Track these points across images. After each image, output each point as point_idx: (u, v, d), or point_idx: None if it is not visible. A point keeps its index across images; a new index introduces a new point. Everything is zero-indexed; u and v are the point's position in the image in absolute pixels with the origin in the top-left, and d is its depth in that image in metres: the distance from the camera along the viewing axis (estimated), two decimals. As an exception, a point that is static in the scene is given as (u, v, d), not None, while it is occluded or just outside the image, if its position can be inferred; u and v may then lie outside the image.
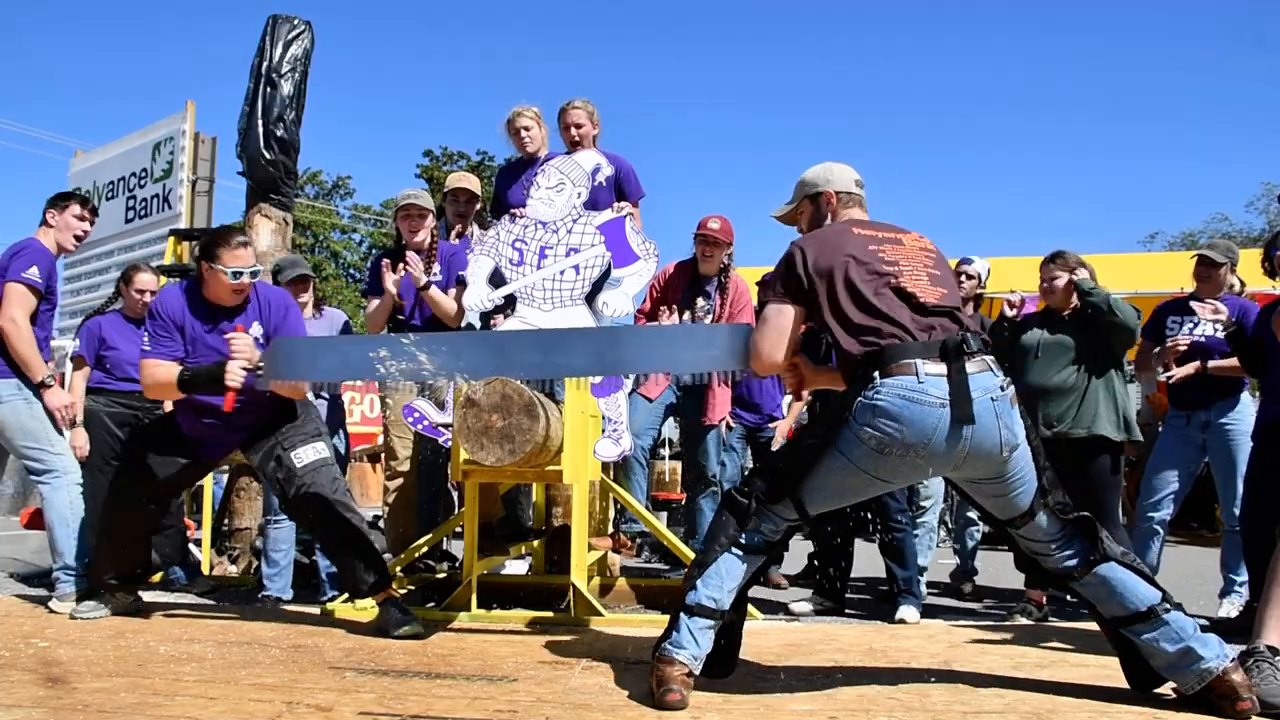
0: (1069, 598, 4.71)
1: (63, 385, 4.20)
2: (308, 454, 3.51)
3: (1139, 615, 2.48)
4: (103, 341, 4.57)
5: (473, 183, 5.06)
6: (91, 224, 4.13)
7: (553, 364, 3.04)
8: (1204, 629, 2.50)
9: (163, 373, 3.42)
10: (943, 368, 2.40)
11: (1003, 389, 2.44)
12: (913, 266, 2.57)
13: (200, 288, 3.51)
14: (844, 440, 2.45)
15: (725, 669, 2.66)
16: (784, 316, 2.63)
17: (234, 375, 3.27)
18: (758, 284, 2.66)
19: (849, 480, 2.50)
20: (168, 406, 4.24)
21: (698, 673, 2.52)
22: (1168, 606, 2.47)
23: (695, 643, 2.51)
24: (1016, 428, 2.46)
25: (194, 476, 3.91)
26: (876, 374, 2.42)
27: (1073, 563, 2.55)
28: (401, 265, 4.35)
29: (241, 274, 3.43)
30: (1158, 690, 2.56)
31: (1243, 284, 4.54)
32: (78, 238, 4.05)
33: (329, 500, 3.47)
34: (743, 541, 2.57)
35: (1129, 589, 2.50)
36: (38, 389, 3.81)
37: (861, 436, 2.41)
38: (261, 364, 3.28)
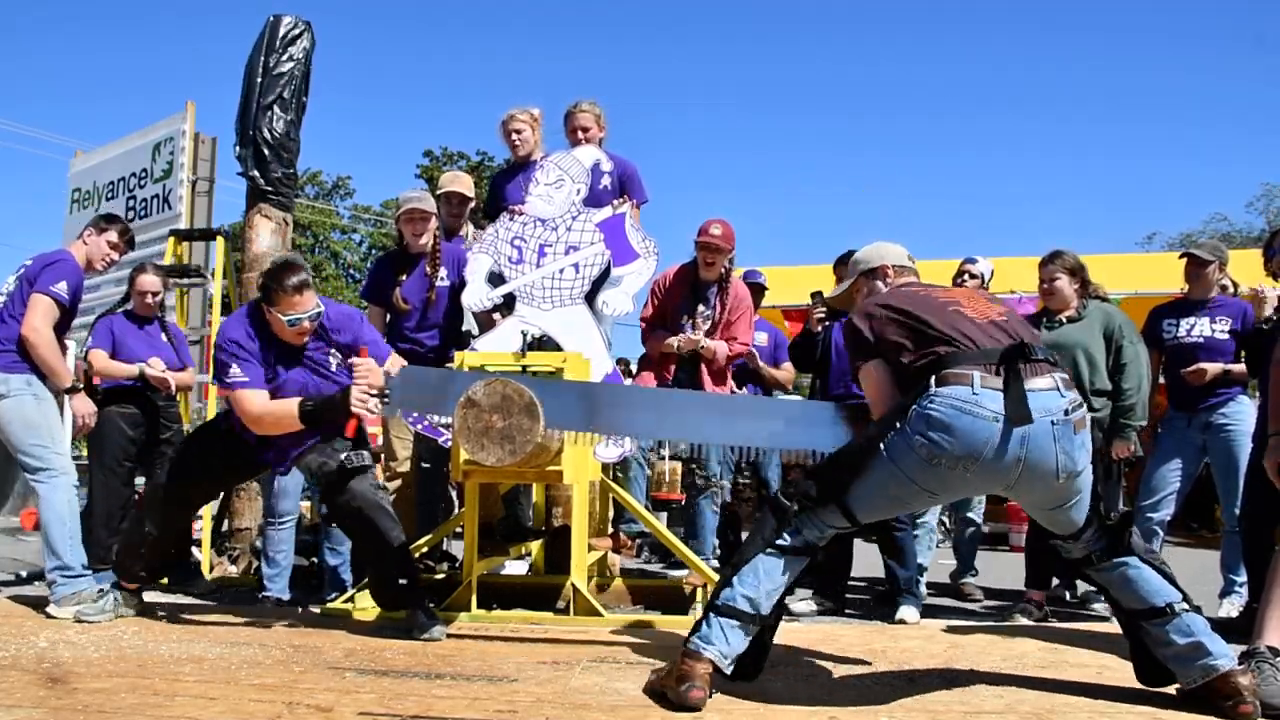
0: (1069, 597, 4.72)
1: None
2: (356, 459, 3.42)
3: (1155, 610, 2.48)
4: (114, 339, 4.58)
5: (465, 184, 5.06)
6: (123, 254, 4.15)
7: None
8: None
9: (280, 407, 3.30)
10: (999, 381, 2.37)
11: (1067, 413, 2.38)
12: (969, 296, 2.66)
13: (262, 317, 3.38)
14: (895, 448, 2.42)
15: (753, 671, 2.58)
16: (868, 376, 2.66)
17: (359, 402, 3.18)
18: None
19: (896, 489, 2.47)
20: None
21: (727, 671, 2.48)
22: (1186, 607, 2.47)
23: (725, 640, 2.47)
24: (1078, 454, 2.40)
25: (244, 477, 3.89)
26: (932, 381, 2.40)
27: (1096, 549, 2.54)
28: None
29: (300, 320, 3.31)
30: (1159, 690, 2.56)
31: (1235, 284, 4.54)
32: (106, 263, 4.07)
33: (370, 507, 3.40)
34: (779, 542, 2.53)
35: (1148, 584, 2.50)
36: (63, 392, 3.83)
37: (913, 445, 2.38)
38: (388, 391, 3.23)
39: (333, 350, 3.48)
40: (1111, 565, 2.53)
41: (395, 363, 3.49)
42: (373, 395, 3.21)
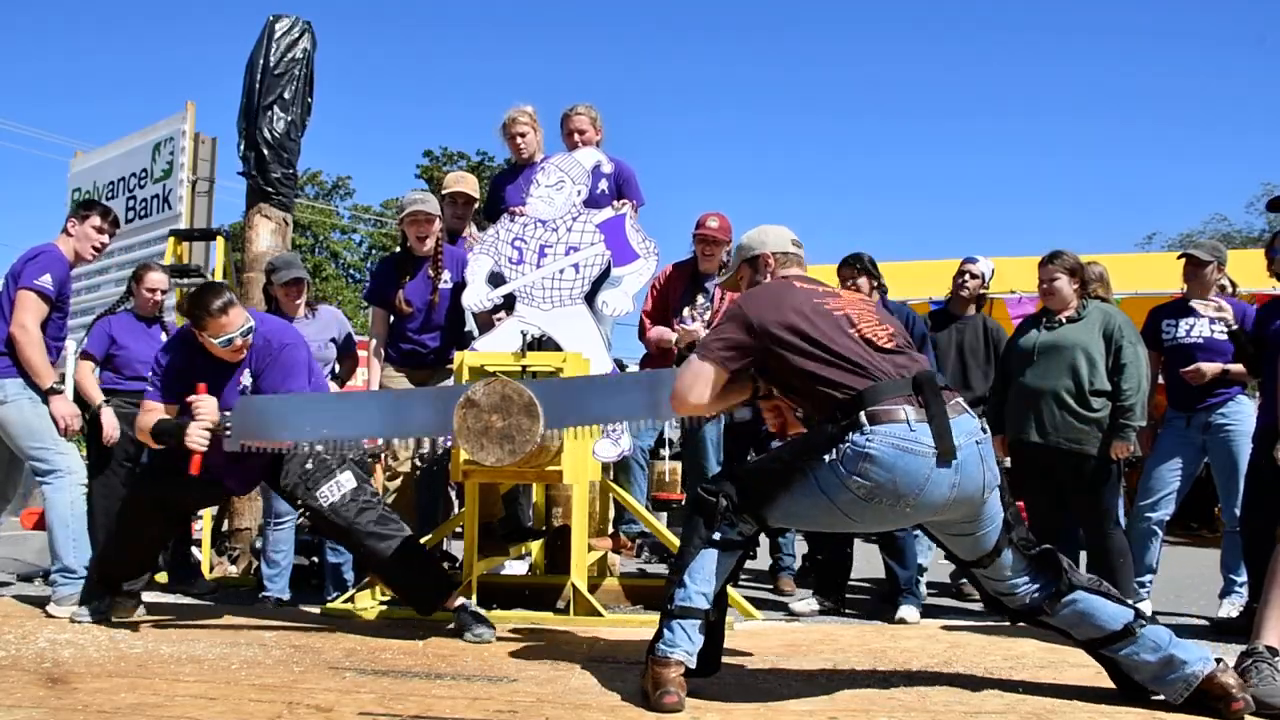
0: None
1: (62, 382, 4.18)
2: (331, 492, 3.40)
3: (1115, 635, 2.47)
4: (113, 341, 4.56)
5: (470, 185, 5.07)
6: (111, 236, 4.12)
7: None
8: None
9: (146, 419, 3.38)
10: (924, 413, 2.38)
11: (984, 430, 2.46)
12: (859, 312, 2.62)
13: (195, 339, 3.42)
14: (827, 482, 2.42)
15: (711, 667, 2.61)
16: (706, 370, 2.60)
17: (194, 438, 3.20)
18: (699, 344, 2.81)
19: (825, 517, 2.50)
20: None
21: (692, 665, 2.49)
22: (1143, 622, 2.47)
23: (689, 639, 2.48)
24: (996, 468, 2.47)
25: (214, 499, 3.90)
26: (863, 418, 2.38)
27: (1039, 597, 2.55)
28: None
29: (232, 339, 3.34)
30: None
31: (1234, 284, 4.54)
32: (96, 249, 4.03)
33: (361, 533, 3.38)
34: (716, 538, 2.54)
35: (1101, 612, 2.49)
36: (45, 395, 3.81)
37: (849, 484, 2.38)
38: (229, 425, 3.24)
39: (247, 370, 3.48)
40: (1062, 606, 2.52)
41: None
42: (208, 431, 3.22)
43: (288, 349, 3.51)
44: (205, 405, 3.24)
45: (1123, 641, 2.46)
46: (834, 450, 2.40)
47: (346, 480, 3.44)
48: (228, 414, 3.26)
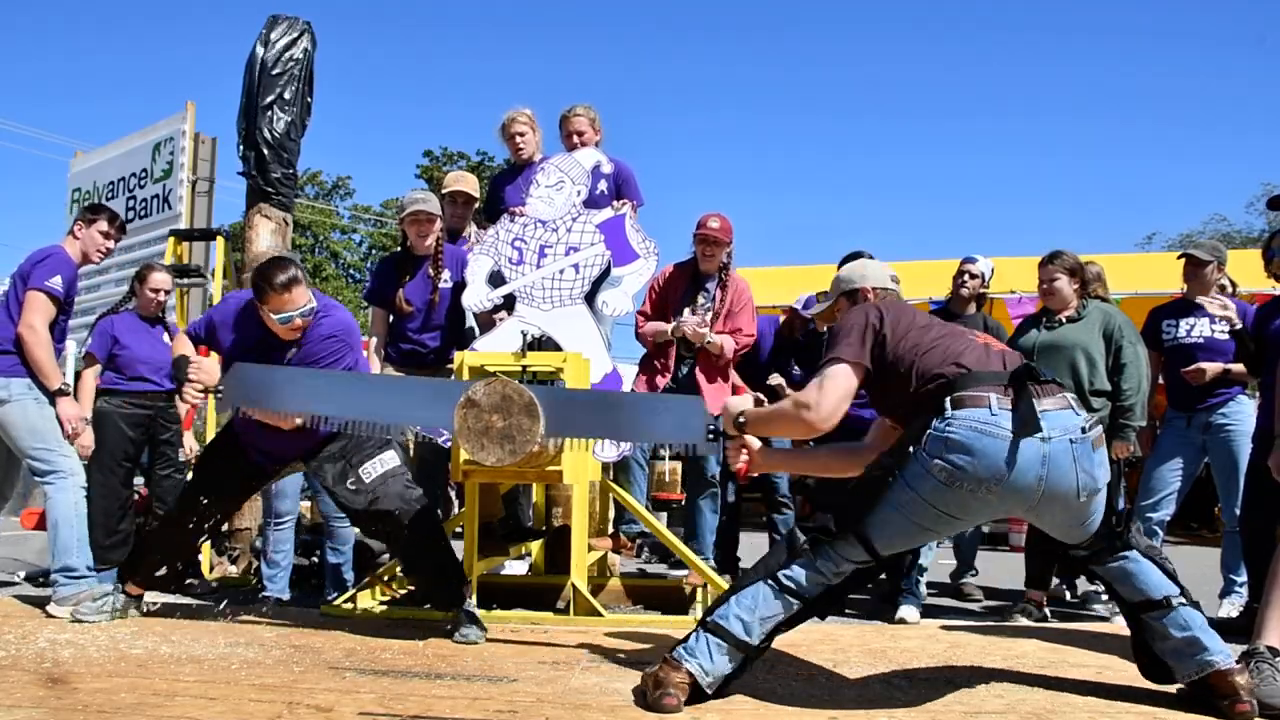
0: (1069, 597, 4.73)
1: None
2: (376, 467, 3.42)
3: (1153, 603, 2.49)
4: (115, 341, 4.57)
5: (470, 184, 5.07)
6: (117, 241, 4.13)
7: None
8: None
9: (177, 346, 3.55)
10: (1012, 401, 2.35)
11: (1084, 430, 2.37)
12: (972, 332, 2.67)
13: (256, 312, 3.40)
14: (912, 473, 2.38)
15: (719, 694, 2.54)
16: (851, 378, 2.57)
17: (187, 393, 3.32)
18: (827, 342, 2.61)
19: (918, 517, 2.41)
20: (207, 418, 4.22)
21: (708, 691, 2.46)
22: (1183, 600, 2.48)
23: (709, 657, 2.46)
24: (1098, 471, 2.39)
25: (257, 487, 3.95)
26: (948, 403, 2.37)
27: (1098, 549, 2.54)
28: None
29: (291, 318, 3.33)
30: (1158, 689, 2.57)
31: (1234, 284, 4.54)
32: (101, 253, 4.04)
33: (402, 513, 3.39)
34: (782, 575, 2.48)
35: (1147, 577, 2.51)
36: (52, 396, 3.82)
37: (931, 469, 2.34)
38: (222, 387, 3.31)
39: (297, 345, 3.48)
40: (1113, 559, 2.53)
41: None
42: (200, 392, 3.33)
43: (326, 341, 3.47)
44: (203, 367, 3.33)
45: (1159, 611, 2.48)
46: (920, 440, 2.38)
47: (390, 458, 3.48)
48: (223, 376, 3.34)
